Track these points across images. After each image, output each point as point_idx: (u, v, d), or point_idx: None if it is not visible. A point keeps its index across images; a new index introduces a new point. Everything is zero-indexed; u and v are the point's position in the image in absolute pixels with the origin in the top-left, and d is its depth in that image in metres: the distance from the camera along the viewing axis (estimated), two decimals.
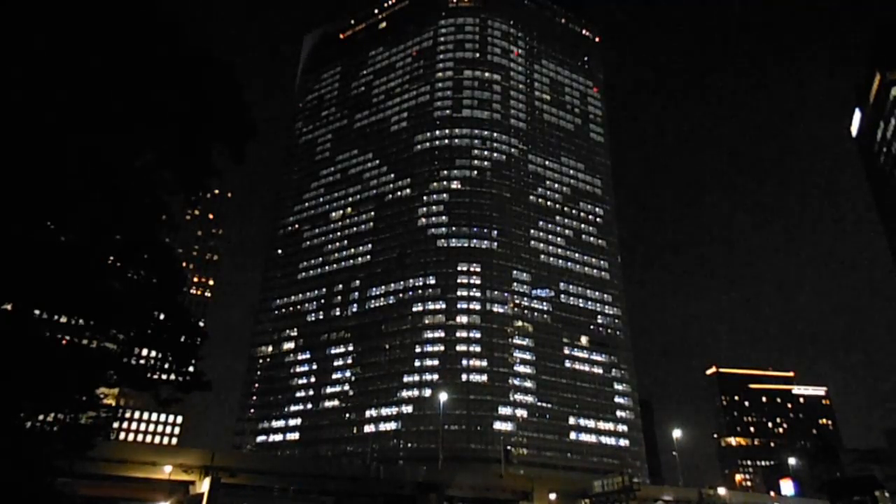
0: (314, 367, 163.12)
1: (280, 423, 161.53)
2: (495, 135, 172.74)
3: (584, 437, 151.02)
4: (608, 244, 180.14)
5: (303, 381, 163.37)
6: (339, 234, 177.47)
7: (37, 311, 18.85)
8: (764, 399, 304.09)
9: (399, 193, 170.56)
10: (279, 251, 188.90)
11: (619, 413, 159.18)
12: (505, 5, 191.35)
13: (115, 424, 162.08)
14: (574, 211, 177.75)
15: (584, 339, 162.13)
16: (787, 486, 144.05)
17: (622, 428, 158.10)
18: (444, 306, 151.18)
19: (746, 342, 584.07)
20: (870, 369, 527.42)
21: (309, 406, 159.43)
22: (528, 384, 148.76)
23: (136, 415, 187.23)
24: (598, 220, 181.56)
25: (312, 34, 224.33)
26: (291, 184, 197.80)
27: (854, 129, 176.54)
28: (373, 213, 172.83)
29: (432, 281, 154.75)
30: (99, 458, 46.94)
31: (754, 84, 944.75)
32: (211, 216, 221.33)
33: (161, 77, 18.49)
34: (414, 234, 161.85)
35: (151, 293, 20.63)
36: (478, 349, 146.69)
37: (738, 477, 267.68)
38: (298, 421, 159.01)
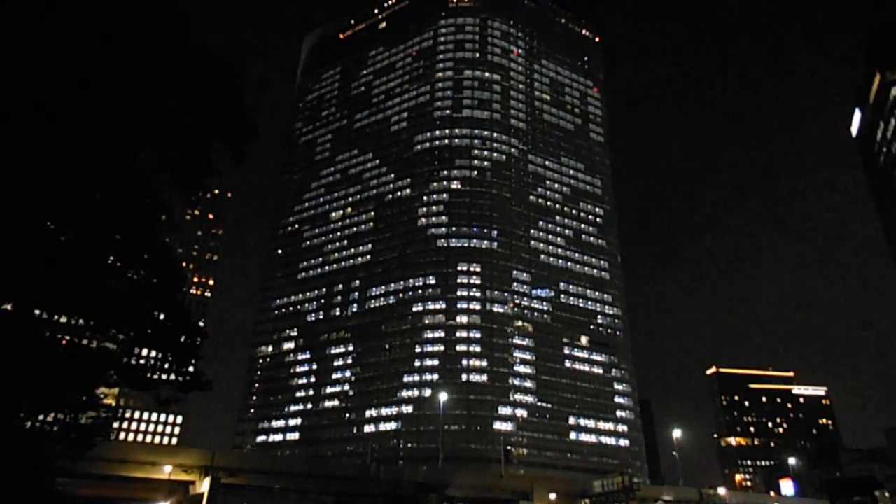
0: (314, 367, 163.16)
1: (280, 423, 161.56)
2: (495, 135, 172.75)
3: (584, 437, 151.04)
4: (608, 244, 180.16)
5: (303, 381, 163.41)
6: (339, 234, 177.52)
7: (37, 311, 18.85)
8: (764, 399, 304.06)
9: (399, 193, 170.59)
10: (279, 251, 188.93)
11: (619, 413, 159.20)
12: (505, 5, 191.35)
13: (115, 424, 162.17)
14: (574, 211, 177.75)
15: (584, 339, 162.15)
16: (787, 486, 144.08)
17: (622, 428, 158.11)
18: (444, 306, 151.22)
19: (746, 342, 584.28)
20: (870, 369, 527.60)
21: (309, 406, 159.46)
22: (528, 384, 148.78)
23: (136, 415, 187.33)
24: (598, 220, 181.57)
25: (312, 34, 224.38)
26: (291, 184, 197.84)
27: (854, 129, 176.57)
28: (373, 213, 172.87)
29: (432, 281, 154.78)
30: (99, 458, 47.00)
31: (754, 84, 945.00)
32: (211, 216, 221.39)
33: (161, 77, 18.48)
34: (414, 234, 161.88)
35: (151, 293, 20.62)
36: (478, 349, 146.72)
37: (738, 477, 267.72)
38: (298, 421, 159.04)
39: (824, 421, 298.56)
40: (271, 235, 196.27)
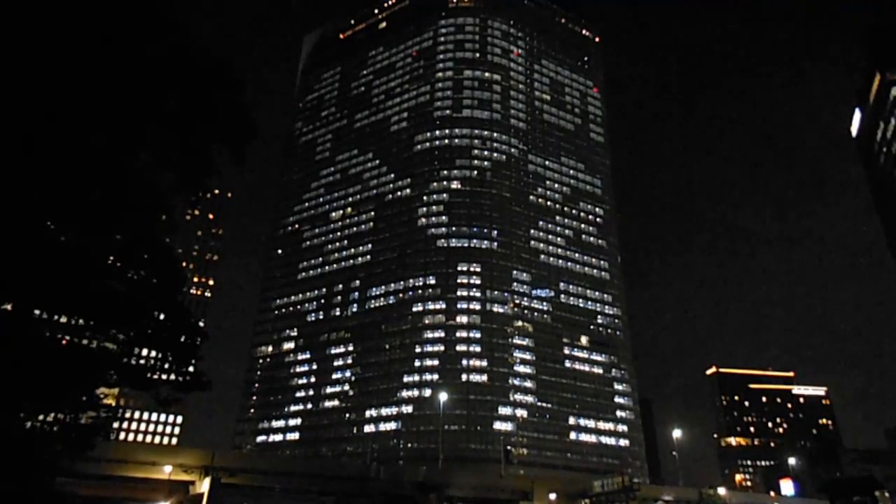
0: (314, 367, 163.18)
1: (280, 423, 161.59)
2: (495, 135, 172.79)
3: (584, 437, 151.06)
4: (608, 244, 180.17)
5: (303, 381, 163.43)
6: (339, 234, 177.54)
7: (37, 311, 18.85)
8: (764, 399, 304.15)
9: (399, 193, 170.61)
10: (279, 251, 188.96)
11: (619, 413, 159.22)
12: (505, 5, 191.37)
13: (115, 424, 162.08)
14: (574, 211, 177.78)
15: (584, 339, 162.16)
16: (787, 486, 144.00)
17: (622, 428, 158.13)
18: (444, 306, 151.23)
19: (746, 342, 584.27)
20: (870, 369, 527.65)
21: (309, 406, 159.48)
22: (528, 384, 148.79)
23: (136, 415, 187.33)
24: (598, 220, 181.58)
25: (312, 34, 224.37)
26: (291, 184, 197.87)
27: (854, 129, 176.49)
28: (373, 213, 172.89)
29: (432, 281, 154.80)
30: (99, 458, 46.98)
31: (754, 83, 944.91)
32: (211, 216, 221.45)
33: (161, 77, 18.48)
34: (414, 234, 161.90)
35: (151, 293, 20.63)
36: (478, 349, 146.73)
37: (738, 477, 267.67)
38: (298, 421, 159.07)
39: (824, 421, 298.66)
40: (271, 235, 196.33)
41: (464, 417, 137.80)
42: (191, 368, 21.76)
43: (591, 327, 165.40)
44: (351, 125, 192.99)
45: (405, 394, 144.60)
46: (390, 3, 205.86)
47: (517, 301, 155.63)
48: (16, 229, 16.95)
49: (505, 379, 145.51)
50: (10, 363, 17.18)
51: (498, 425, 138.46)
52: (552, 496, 73.80)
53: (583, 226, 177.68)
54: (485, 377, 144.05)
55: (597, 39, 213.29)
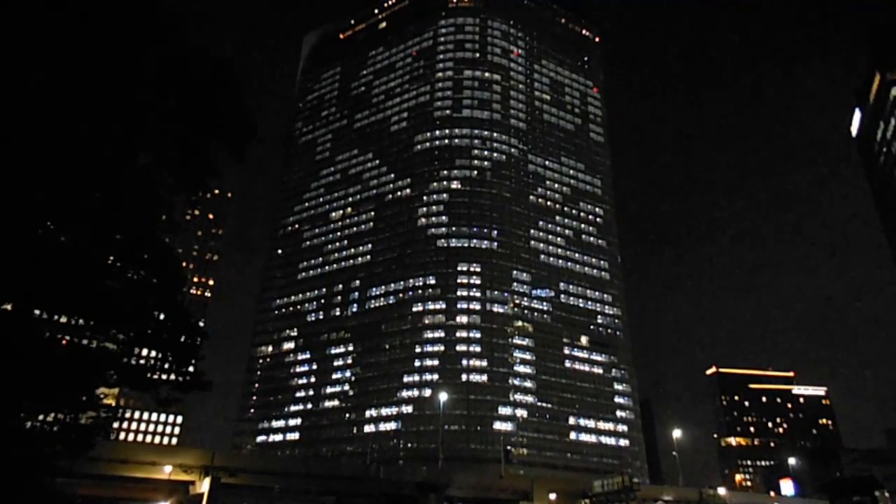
0: (314, 367, 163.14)
1: (280, 423, 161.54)
2: (495, 135, 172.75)
3: (584, 437, 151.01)
4: (608, 244, 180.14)
5: (303, 381, 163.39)
6: (339, 234, 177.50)
7: (37, 311, 18.85)
8: (764, 399, 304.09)
9: (399, 193, 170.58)
10: (279, 251, 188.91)
11: (619, 413, 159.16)
12: (505, 5, 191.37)
13: (115, 424, 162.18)
14: (574, 211, 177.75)
15: (584, 339, 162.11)
16: (787, 486, 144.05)
17: (622, 428, 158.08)
18: (444, 306, 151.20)
19: (746, 342, 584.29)
20: (870, 369, 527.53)
21: (309, 406, 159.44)
22: (528, 384, 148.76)
23: (136, 415, 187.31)
24: (598, 220, 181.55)
25: (312, 34, 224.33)
26: (291, 184, 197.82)
27: (854, 129, 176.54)
28: (373, 213, 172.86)
29: (432, 281, 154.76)
30: (99, 458, 46.92)
31: (754, 83, 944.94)
32: (211, 216, 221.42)
33: (160, 77, 18.49)
34: (414, 234, 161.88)
35: (151, 293, 20.62)
36: (478, 349, 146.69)
37: (738, 477, 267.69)
38: (298, 421, 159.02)
39: (824, 421, 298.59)
40: (271, 235, 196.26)
41: (464, 417, 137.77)
42: (191, 368, 21.75)
43: (591, 327, 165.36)
44: (351, 125, 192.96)
45: (405, 394, 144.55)
46: (390, 3, 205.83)
47: (517, 301, 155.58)
48: (16, 229, 16.95)
49: (505, 379, 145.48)
50: (10, 363, 17.17)
51: (498, 425, 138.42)
52: (552, 496, 73.75)
53: (583, 226, 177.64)
54: (485, 377, 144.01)
55: (597, 39, 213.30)
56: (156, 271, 20.39)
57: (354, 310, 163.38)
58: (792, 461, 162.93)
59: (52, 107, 16.65)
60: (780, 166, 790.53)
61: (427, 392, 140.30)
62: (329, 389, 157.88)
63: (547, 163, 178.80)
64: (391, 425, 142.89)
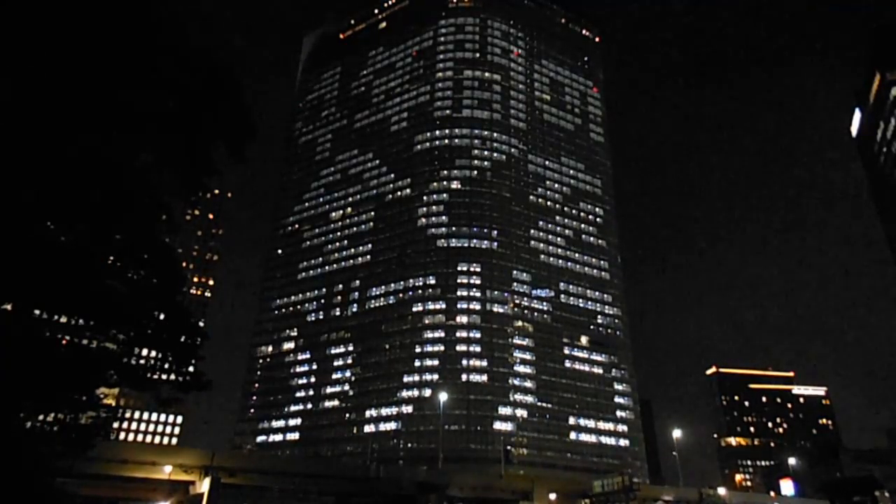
0: (314, 367, 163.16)
1: (280, 423, 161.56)
2: (495, 135, 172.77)
3: (584, 437, 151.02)
4: (608, 244, 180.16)
5: (303, 381, 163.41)
6: (339, 234, 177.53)
7: (37, 311, 18.84)
8: (764, 399, 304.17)
9: (399, 193, 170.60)
10: (279, 251, 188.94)
11: (619, 413, 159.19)
12: (505, 5, 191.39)
13: (115, 424, 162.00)
14: (574, 211, 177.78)
15: (584, 339, 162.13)
16: (787, 486, 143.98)
17: (622, 428, 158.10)
18: (444, 306, 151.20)
19: (746, 342, 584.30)
20: (870, 369, 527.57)
21: (309, 406, 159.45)
22: (528, 384, 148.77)
23: (136, 415, 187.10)
24: (598, 220, 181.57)
25: (312, 34, 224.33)
26: (291, 184, 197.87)
27: (854, 129, 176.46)
28: (373, 213, 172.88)
29: (432, 281, 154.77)
30: (99, 458, 46.93)
31: (754, 83, 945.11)
32: (211, 216, 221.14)
33: (161, 77, 18.48)
34: (414, 234, 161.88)
35: (151, 293, 20.62)
36: (478, 349, 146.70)
37: (738, 477, 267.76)
38: (298, 421, 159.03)
39: (824, 421, 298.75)
40: (271, 235, 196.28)
41: (464, 417, 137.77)
42: (191, 368, 21.75)
43: (591, 327, 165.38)
44: (351, 125, 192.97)
45: (405, 394, 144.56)
46: (390, 3, 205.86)
47: (517, 301, 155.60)
48: (16, 229, 16.95)
49: (505, 379, 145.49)
50: (10, 363, 17.17)
51: (498, 425, 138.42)
52: (552, 496, 73.78)
53: (583, 226, 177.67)
54: (485, 377, 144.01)
55: (597, 39, 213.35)
56: (156, 271, 20.39)
57: (354, 310, 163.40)
58: (792, 461, 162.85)
59: (51, 107, 16.64)
60: (779, 166, 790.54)
61: (427, 392, 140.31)
62: (329, 389, 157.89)
63: (547, 163, 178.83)
64: (391, 425, 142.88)
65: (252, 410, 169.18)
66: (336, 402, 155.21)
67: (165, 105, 19.09)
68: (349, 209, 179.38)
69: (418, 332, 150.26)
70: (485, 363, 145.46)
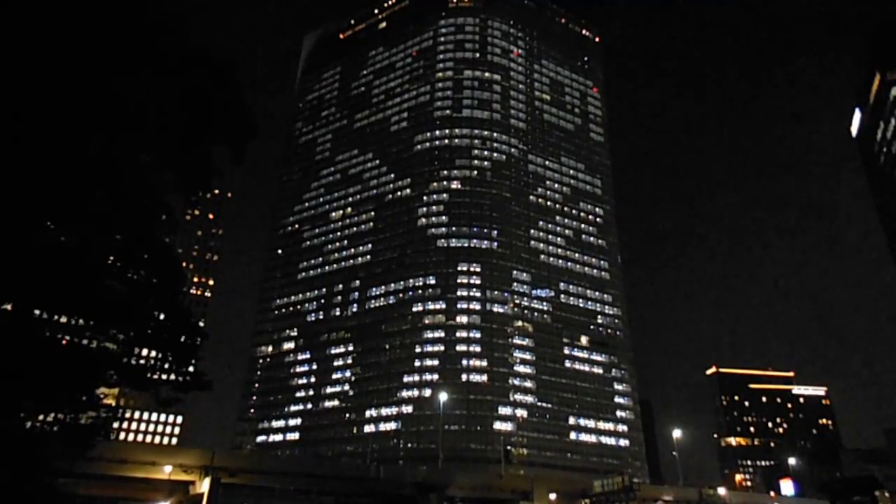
0: (314, 367, 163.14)
1: (280, 423, 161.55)
2: (495, 135, 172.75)
3: (584, 437, 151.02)
4: (608, 244, 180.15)
5: (303, 381, 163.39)
6: (339, 234, 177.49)
7: (37, 311, 18.83)
8: (764, 399, 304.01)
9: (399, 193, 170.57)
10: (279, 251, 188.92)
11: (619, 413, 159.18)
12: (505, 5, 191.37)
13: (115, 424, 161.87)
14: (574, 211, 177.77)
15: (584, 339, 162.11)
16: (787, 486, 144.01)
17: (622, 428, 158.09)
18: (444, 306, 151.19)
19: (746, 342, 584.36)
20: (870, 369, 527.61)
21: (309, 406, 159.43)
22: (528, 384, 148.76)
23: (136, 415, 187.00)
24: (598, 220, 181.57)
25: (312, 34, 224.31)
26: (291, 184, 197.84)
27: (854, 129, 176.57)
28: (373, 213, 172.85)
29: (432, 281, 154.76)
30: (99, 458, 46.90)
31: (754, 84, 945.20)
32: (211, 216, 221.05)
33: (161, 77, 18.48)
34: (414, 234, 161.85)
35: (151, 293, 20.61)
36: (478, 349, 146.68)
37: (738, 477, 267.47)
38: (298, 421, 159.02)
39: (824, 421, 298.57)
40: (271, 235, 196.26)
41: (464, 417, 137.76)
42: (191, 368, 21.74)
43: (591, 327, 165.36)
44: (351, 125, 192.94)
45: (405, 394, 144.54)
46: (390, 3, 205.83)
47: (517, 301, 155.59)
48: (16, 229, 16.94)
49: (505, 379, 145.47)
50: (10, 363, 17.16)
51: (498, 425, 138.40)
52: (552, 496, 73.76)
53: (583, 226, 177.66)
54: (485, 377, 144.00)
55: (597, 39, 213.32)
56: (156, 271, 20.38)
57: (354, 310, 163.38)
58: (792, 461, 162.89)
59: (51, 107, 16.63)
60: (779, 166, 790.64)
61: (427, 392, 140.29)
62: (329, 389, 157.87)
63: (547, 163, 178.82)
64: (391, 425, 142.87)
65: (252, 410, 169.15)
66: (336, 402, 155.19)
67: (166, 105, 19.08)
68: (349, 209, 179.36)
69: (418, 332, 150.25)
70: (485, 363, 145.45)
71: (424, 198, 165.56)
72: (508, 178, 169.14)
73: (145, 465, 55.18)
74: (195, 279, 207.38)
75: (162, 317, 21.39)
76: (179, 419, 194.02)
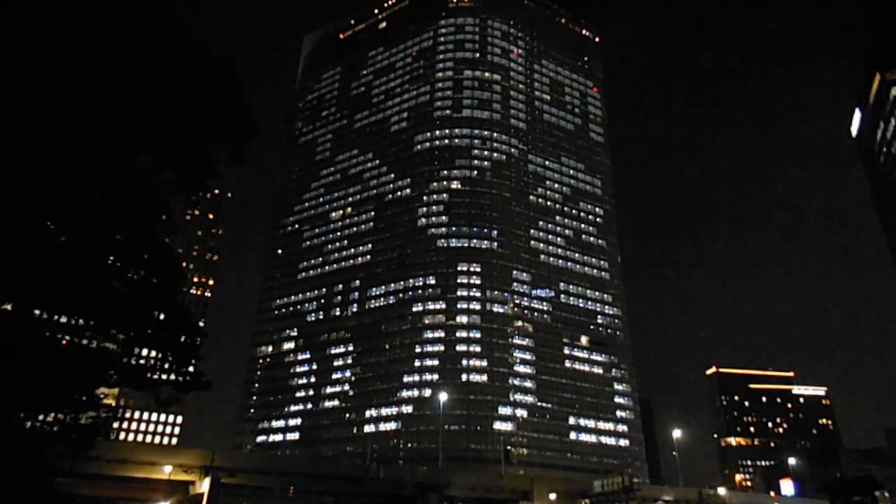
0: (314, 367, 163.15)
1: (280, 423, 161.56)
2: (495, 135, 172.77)
3: (584, 437, 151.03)
4: (608, 244, 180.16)
5: (303, 381, 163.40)
6: (339, 234, 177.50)
7: (37, 311, 18.84)
8: (764, 399, 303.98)
9: (399, 193, 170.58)
10: (279, 251, 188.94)
11: (619, 413, 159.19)
12: (505, 5, 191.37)
13: (115, 424, 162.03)
14: (574, 211, 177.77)
15: (584, 339, 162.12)
16: (787, 486, 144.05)
17: (622, 428, 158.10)
18: (444, 306, 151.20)
19: (746, 342, 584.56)
20: (870, 369, 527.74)
21: (309, 406, 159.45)
22: (528, 384, 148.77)
23: (136, 415, 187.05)
24: (598, 220, 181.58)
25: (312, 34, 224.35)
26: (291, 184, 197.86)
27: (854, 129, 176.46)
28: (373, 213, 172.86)
29: (432, 281, 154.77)
30: (99, 458, 46.96)
31: (754, 83, 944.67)
32: (211, 216, 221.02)
33: (161, 77, 18.47)
34: (414, 234, 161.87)
35: (151, 293, 20.62)
36: (478, 349, 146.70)
37: (738, 477, 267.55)
38: (298, 421, 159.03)
39: (824, 421, 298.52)
40: (271, 235, 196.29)
41: (464, 417, 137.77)
42: (191, 368, 21.75)
43: (591, 327, 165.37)
44: (351, 125, 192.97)
45: (405, 394, 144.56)
46: (390, 3, 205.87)
47: (517, 301, 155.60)
48: (16, 229, 16.94)
49: (505, 379, 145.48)
50: (10, 363, 17.17)
51: (498, 425, 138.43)
52: (552, 496, 73.78)
53: (583, 226, 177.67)
54: (485, 377, 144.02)
55: (597, 39, 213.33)
56: (156, 271, 20.39)
57: (354, 310, 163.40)
58: (792, 461, 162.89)
59: (51, 107, 16.63)
60: (779, 166, 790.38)
61: (427, 392, 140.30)
62: (329, 389, 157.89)
63: (547, 163, 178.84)
64: (391, 425, 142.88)
65: (252, 410, 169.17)
66: (336, 402, 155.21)
67: (166, 105, 19.09)
68: (349, 209, 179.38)
69: (418, 332, 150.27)
70: (485, 363, 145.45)
71: (424, 198, 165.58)
72: (508, 178, 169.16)
73: (145, 465, 55.22)
74: (195, 279, 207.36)
75: (162, 317, 21.40)
76: (179, 419, 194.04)
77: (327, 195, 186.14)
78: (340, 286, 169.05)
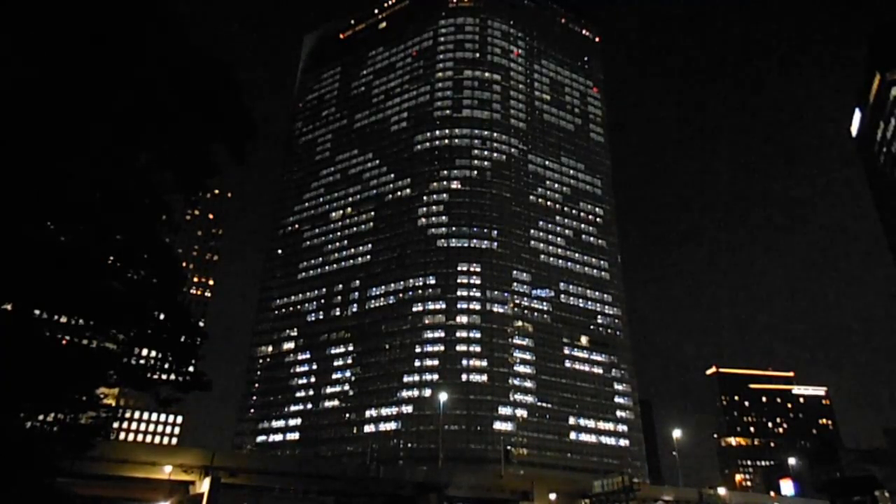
0: (314, 367, 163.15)
1: (280, 423, 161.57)
2: (495, 135, 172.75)
3: (584, 437, 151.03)
4: (608, 244, 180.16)
5: (303, 381, 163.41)
6: (339, 234, 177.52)
7: (37, 311, 18.84)
8: (764, 399, 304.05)
9: (399, 193, 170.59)
10: (279, 251, 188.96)
11: (619, 413, 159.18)
12: (505, 5, 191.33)
13: (115, 424, 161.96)
14: (574, 211, 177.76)
15: (584, 339, 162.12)
16: (787, 486, 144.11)
17: (622, 428, 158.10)
18: (444, 306, 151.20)
19: (746, 342, 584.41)
20: (870, 369, 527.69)
21: (309, 406, 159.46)
22: (528, 384, 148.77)
23: (136, 415, 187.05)
24: (598, 220, 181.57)
25: (312, 34, 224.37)
26: (291, 184, 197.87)
27: (854, 129, 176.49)
28: (373, 213, 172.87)
29: (432, 281, 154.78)
30: (99, 458, 46.95)
31: (754, 84, 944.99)
32: (211, 216, 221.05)
33: (161, 77, 18.48)
34: (414, 234, 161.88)
35: (151, 293, 20.61)
36: (478, 349, 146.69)
37: (738, 477, 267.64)
38: (298, 421, 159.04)
39: (824, 421, 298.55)
40: (271, 235, 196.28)
41: (464, 417, 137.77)
42: (191, 368, 21.74)
43: (591, 327, 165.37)
44: (351, 125, 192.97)
45: (405, 394, 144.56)
46: (390, 3, 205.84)
47: (517, 301, 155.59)
48: (16, 229, 16.94)
49: (505, 379, 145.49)
50: (10, 363, 17.16)
51: (498, 425, 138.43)
52: (552, 496, 73.79)
53: (583, 226, 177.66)
54: (485, 377, 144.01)
55: (597, 39, 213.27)
56: (156, 271, 20.38)
57: (354, 310, 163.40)
58: (792, 461, 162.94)
59: (51, 107, 16.63)
60: (779, 166, 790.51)
61: (427, 392, 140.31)
62: (329, 389, 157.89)
63: (547, 163, 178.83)
64: (391, 425, 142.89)
65: (252, 410, 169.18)
66: (336, 402, 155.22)
67: (165, 105, 19.08)
68: (349, 209, 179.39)
69: (418, 332, 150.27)
70: (485, 363, 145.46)
71: (424, 198, 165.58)
72: (508, 178, 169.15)
73: (145, 465, 55.24)
74: (195, 279, 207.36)
75: (162, 317, 21.39)
76: (179, 419, 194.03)
77: (327, 195, 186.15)
78: (340, 286, 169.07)
